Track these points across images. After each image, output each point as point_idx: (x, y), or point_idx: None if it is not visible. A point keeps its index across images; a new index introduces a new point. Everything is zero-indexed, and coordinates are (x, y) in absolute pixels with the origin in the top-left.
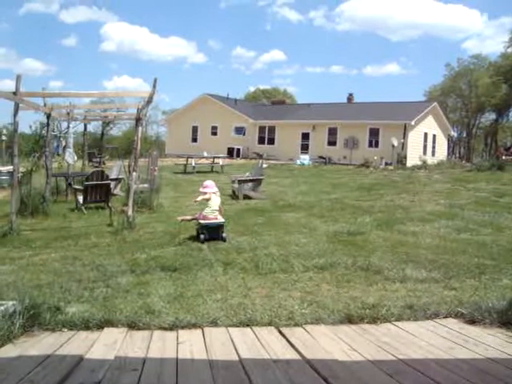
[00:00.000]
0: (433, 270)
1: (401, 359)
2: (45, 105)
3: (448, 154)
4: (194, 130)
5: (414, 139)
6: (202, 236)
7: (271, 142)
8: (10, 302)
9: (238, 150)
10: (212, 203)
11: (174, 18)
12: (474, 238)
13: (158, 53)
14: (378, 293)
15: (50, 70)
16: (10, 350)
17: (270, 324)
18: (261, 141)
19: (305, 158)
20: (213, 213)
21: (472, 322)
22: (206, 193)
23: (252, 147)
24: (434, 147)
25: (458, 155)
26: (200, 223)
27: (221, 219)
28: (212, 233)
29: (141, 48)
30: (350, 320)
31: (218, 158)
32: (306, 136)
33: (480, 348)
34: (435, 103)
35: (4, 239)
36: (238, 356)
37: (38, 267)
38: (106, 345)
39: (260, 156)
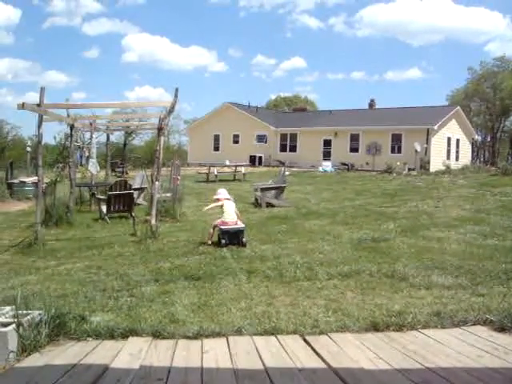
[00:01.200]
0: (459, 276)
1: (428, 368)
2: (68, 116)
3: (472, 158)
4: (216, 138)
5: (437, 144)
6: (222, 241)
7: (293, 149)
8: (36, 312)
9: (260, 157)
10: (226, 208)
11: (195, 28)
12: (501, 243)
13: (179, 62)
14: (404, 300)
15: (72, 81)
16: (36, 359)
17: (294, 332)
18: (283, 148)
19: (327, 165)
20: (229, 216)
21: (501, 329)
22: (218, 199)
23: (274, 155)
24: (457, 152)
25: (482, 159)
26: (221, 229)
27: (240, 224)
28: (232, 238)
29: (162, 58)
30: (375, 328)
31: (240, 166)
32: (327, 143)
33: (511, 356)
34: (458, 107)
35: (29, 249)
36: (263, 365)
37: (63, 277)
38: (130, 354)
39: (282, 163)
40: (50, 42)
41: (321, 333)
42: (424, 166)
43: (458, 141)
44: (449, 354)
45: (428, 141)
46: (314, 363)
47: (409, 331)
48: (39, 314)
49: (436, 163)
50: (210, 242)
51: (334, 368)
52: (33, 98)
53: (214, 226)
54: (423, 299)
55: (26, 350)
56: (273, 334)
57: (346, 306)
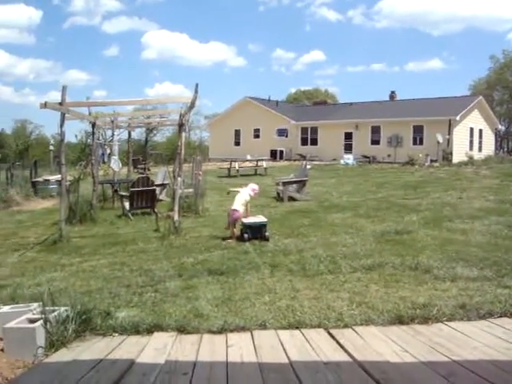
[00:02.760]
0: (484, 268)
1: (455, 360)
2: (89, 114)
3: (495, 148)
4: (237, 133)
5: (460, 135)
6: (245, 235)
7: (314, 142)
8: (63, 308)
9: (281, 151)
10: (236, 197)
11: (214, 24)
12: None
13: (199, 58)
14: (428, 292)
15: (93, 79)
16: (63, 355)
17: (319, 326)
18: (304, 142)
19: (348, 158)
20: (233, 204)
21: None
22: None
23: (295, 149)
24: (480, 142)
25: (506, 149)
26: (243, 223)
27: (262, 219)
28: (255, 232)
29: (181, 54)
30: (400, 320)
31: (262, 160)
32: (349, 135)
33: None
34: (480, 97)
35: (54, 246)
36: (288, 359)
37: (88, 273)
38: (156, 349)
39: (303, 157)
40: (70, 42)
41: (345, 326)
42: (446, 157)
43: (480, 131)
44: (475, 347)
45: (450, 132)
46: (339, 356)
47: (434, 324)
48: (66, 311)
49: (458, 154)
50: (231, 241)
51: (359, 361)
52: (55, 97)
53: (234, 220)
54: (448, 291)
55: (53, 345)
56: (297, 327)
57: (370, 299)
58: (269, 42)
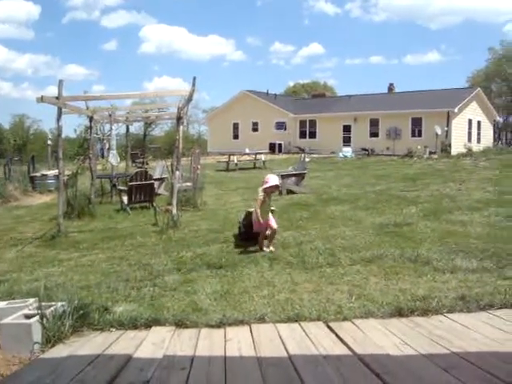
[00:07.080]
0: (484, 259)
1: (455, 352)
2: (87, 108)
3: (494, 140)
4: (235, 127)
5: (458, 127)
6: (242, 229)
7: (313, 135)
8: (60, 303)
9: (280, 145)
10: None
11: (212, 18)
12: None
13: (197, 52)
14: (428, 284)
15: (92, 74)
16: (60, 350)
17: (318, 319)
18: (302, 135)
19: (347, 151)
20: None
21: None
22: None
23: (293, 142)
24: (479, 134)
25: (504, 141)
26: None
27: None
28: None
29: (180, 48)
30: (400, 313)
31: (260, 153)
32: (347, 128)
33: None
34: (478, 89)
35: (52, 241)
36: (287, 352)
37: (86, 268)
38: (154, 344)
39: (302, 150)
40: (69, 36)
41: (344, 319)
42: (445, 149)
43: (479, 123)
44: (476, 339)
45: (448, 124)
46: (339, 350)
47: (434, 316)
48: (62, 306)
49: (457, 146)
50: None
51: (359, 354)
52: (53, 91)
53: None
54: (448, 283)
55: (50, 341)
56: (296, 321)
57: (370, 292)
58: (267, 36)
